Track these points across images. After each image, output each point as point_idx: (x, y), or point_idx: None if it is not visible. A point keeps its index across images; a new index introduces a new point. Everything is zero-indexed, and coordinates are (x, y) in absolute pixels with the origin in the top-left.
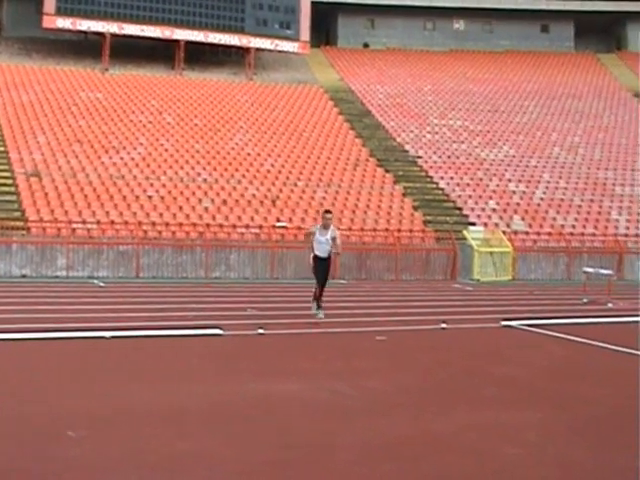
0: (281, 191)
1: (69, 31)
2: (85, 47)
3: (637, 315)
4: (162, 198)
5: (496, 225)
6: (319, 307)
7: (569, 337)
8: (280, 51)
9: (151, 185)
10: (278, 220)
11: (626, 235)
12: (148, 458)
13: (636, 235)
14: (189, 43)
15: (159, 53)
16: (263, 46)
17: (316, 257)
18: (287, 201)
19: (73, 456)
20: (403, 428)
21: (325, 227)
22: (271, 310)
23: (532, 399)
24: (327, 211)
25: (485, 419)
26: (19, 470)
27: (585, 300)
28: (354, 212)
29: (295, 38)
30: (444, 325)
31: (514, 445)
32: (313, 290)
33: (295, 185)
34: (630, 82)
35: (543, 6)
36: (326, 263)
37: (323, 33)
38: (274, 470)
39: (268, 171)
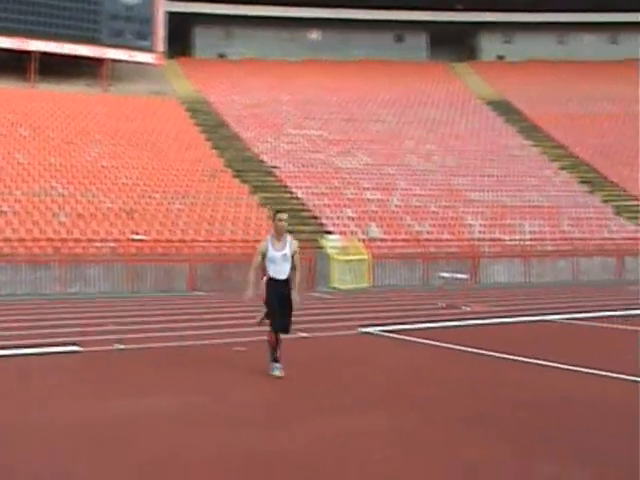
0: (137, 204)
1: None
2: None
3: (492, 317)
4: (16, 213)
5: (353, 233)
6: (275, 359)
7: (425, 341)
8: (135, 62)
9: (5, 200)
10: (135, 233)
11: (481, 240)
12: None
13: (491, 239)
14: (43, 54)
15: (12, 64)
16: (118, 57)
17: (271, 280)
18: (144, 213)
19: None
20: (264, 440)
21: (279, 237)
22: (130, 324)
23: (391, 403)
24: (280, 211)
25: (346, 426)
26: None
27: (441, 304)
28: (211, 223)
29: (150, 49)
30: (303, 334)
31: (378, 449)
32: (267, 337)
33: (151, 197)
34: (482, 90)
35: (397, 16)
36: (285, 289)
37: (180, 44)
38: None
39: (124, 183)
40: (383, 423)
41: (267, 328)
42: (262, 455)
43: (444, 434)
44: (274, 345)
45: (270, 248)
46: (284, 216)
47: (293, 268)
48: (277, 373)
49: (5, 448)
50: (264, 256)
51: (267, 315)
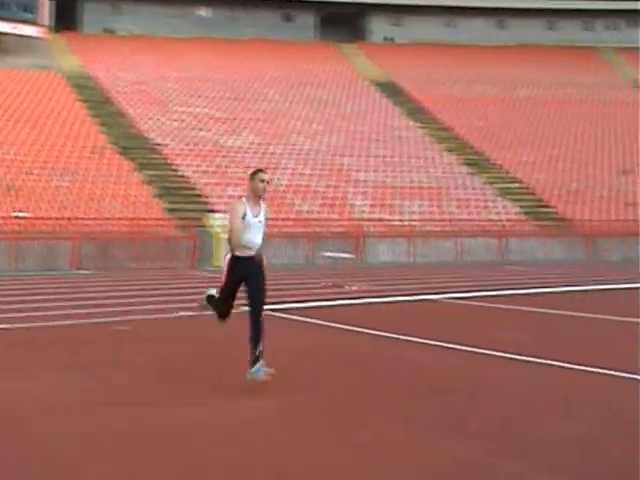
0: (19, 180)
1: None
2: None
3: (375, 296)
4: None
5: None
6: (257, 359)
7: (307, 320)
8: (19, 35)
9: None
10: (18, 210)
11: (366, 219)
12: None
13: (376, 219)
14: None
15: None
16: (2, 30)
17: (237, 259)
18: (26, 190)
19: None
20: (138, 421)
21: (257, 201)
22: (12, 304)
23: (278, 384)
24: (261, 170)
25: (233, 409)
26: None
27: (325, 283)
28: (95, 201)
29: (35, 22)
30: (188, 313)
31: (269, 433)
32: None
33: (33, 173)
34: (369, 72)
35: None
36: (255, 266)
37: (67, 18)
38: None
39: (6, 159)
40: (271, 405)
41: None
42: (140, 435)
43: (334, 414)
44: (257, 338)
45: (250, 214)
46: (266, 176)
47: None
48: (261, 376)
49: None
50: (241, 217)
51: (215, 301)
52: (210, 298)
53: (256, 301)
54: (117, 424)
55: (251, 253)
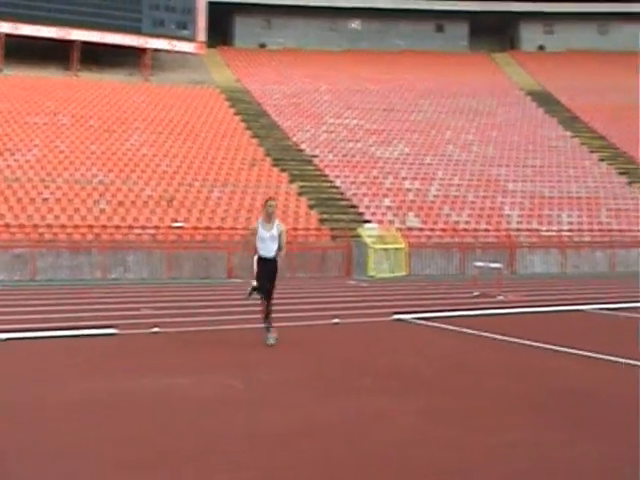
0: (177, 191)
1: None
2: None
3: (526, 306)
4: (58, 200)
5: (391, 222)
6: (269, 329)
7: (459, 329)
8: (177, 51)
9: (46, 187)
10: (175, 220)
11: (518, 230)
12: (50, 446)
13: (528, 230)
14: (85, 43)
15: (54, 54)
16: (160, 47)
17: (260, 258)
18: (184, 201)
19: None
20: (288, 418)
21: (268, 220)
22: (166, 309)
23: (415, 388)
24: (270, 198)
25: (366, 407)
26: None
27: (476, 293)
28: (250, 211)
29: (191, 38)
30: (336, 320)
31: (393, 430)
32: (261, 307)
33: (191, 185)
34: (523, 81)
35: (437, 6)
36: (272, 266)
37: (220, 33)
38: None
39: (164, 172)
40: (403, 406)
41: (258, 301)
42: (285, 431)
43: (483, 417)
44: (266, 313)
45: (261, 229)
46: (273, 203)
47: (280, 248)
48: (271, 342)
49: (49, 419)
50: (254, 232)
51: (256, 288)
52: (253, 288)
53: (270, 290)
54: (263, 422)
55: (270, 255)
